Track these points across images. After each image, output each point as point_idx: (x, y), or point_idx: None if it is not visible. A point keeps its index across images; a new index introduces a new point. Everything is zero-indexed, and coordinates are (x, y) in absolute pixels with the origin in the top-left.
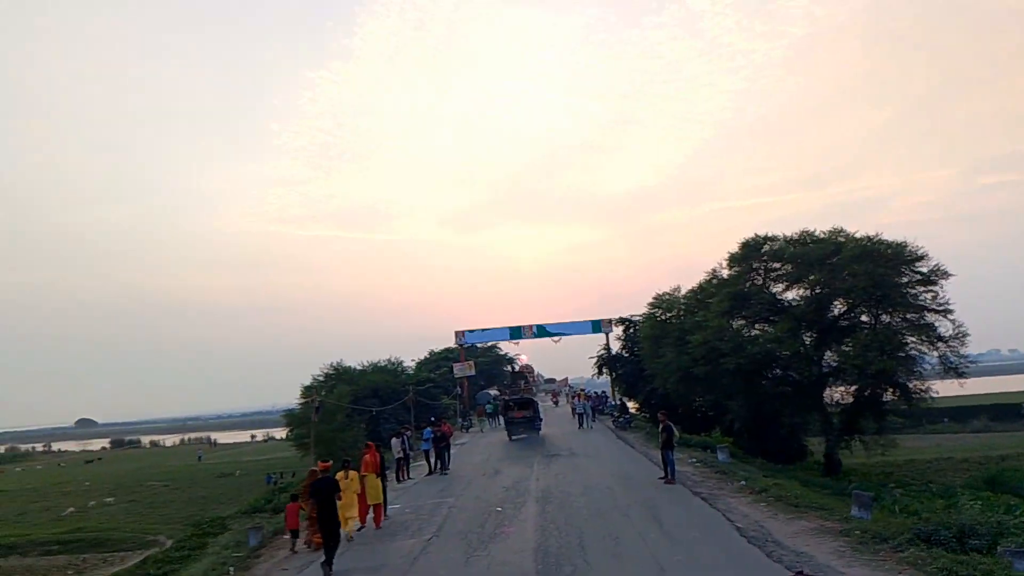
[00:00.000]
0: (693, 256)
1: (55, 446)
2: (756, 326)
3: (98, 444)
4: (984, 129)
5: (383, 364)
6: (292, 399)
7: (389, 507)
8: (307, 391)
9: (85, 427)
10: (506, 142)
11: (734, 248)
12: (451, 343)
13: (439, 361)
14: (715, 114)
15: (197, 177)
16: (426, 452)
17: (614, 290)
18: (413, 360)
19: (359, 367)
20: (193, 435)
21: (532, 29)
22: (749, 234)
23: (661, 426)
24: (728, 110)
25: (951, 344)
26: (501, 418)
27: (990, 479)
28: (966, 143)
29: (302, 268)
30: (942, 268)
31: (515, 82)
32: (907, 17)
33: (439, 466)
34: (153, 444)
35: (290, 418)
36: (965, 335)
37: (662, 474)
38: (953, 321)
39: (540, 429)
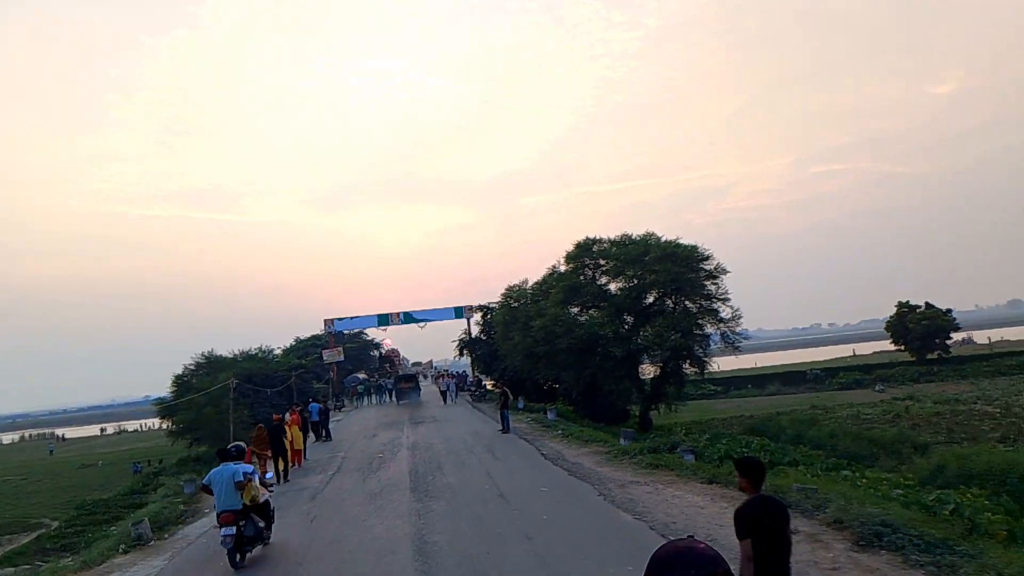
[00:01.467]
0: (558, 239)
1: None
2: (589, 311)
3: None
4: (816, 122)
5: (253, 352)
6: (136, 392)
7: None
8: (179, 380)
9: None
10: (371, 121)
11: (591, 232)
12: (317, 327)
13: (307, 347)
14: (577, 100)
15: (19, 153)
16: (314, 423)
17: (482, 271)
18: (279, 348)
19: (229, 355)
20: (33, 431)
21: (395, 4)
22: (611, 218)
23: (499, 392)
24: (589, 97)
25: (729, 324)
26: (375, 396)
27: (752, 428)
28: (801, 135)
29: (143, 251)
30: (722, 266)
31: (380, 60)
32: (752, 14)
33: (324, 434)
34: None
35: (165, 407)
36: (739, 317)
37: (501, 427)
38: (731, 307)
39: (420, 394)
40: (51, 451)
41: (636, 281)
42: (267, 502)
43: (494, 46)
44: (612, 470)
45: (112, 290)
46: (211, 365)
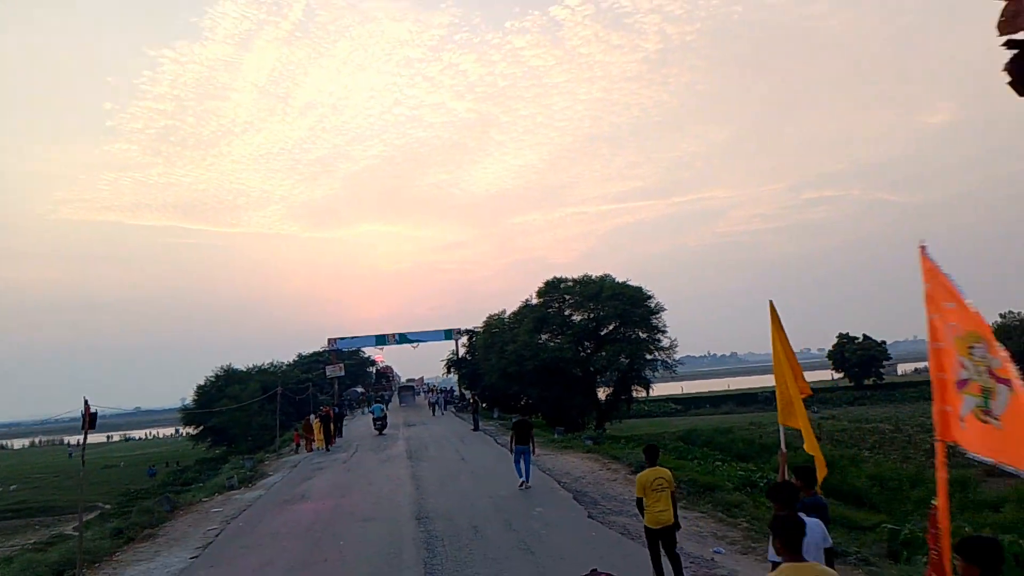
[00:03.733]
0: (550, 258)
1: None
2: (558, 338)
3: None
4: (809, 148)
5: (265, 367)
6: (127, 403)
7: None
8: (201, 390)
9: None
10: (364, 136)
11: (583, 252)
12: (314, 341)
13: (310, 363)
14: (573, 121)
15: (11, 157)
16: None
17: (474, 289)
18: (286, 362)
19: (244, 369)
20: (43, 438)
21: (394, 21)
22: (604, 238)
23: (472, 401)
24: (586, 118)
25: (667, 352)
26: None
27: (680, 437)
28: (794, 161)
29: (136, 261)
30: (660, 304)
31: (376, 75)
32: (747, 41)
33: (338, 432)
34: (0, 447)
35: (189, 414)
36: (675, 346)
37: (472, 427)
38: (669, 337)
39: (415, 400)
40: (70, 454)
41: (594, 314)
42: (386, 416)
43: (493, 63)
44: (539, 450)
45: (104, 299)
46: (229, 377)
